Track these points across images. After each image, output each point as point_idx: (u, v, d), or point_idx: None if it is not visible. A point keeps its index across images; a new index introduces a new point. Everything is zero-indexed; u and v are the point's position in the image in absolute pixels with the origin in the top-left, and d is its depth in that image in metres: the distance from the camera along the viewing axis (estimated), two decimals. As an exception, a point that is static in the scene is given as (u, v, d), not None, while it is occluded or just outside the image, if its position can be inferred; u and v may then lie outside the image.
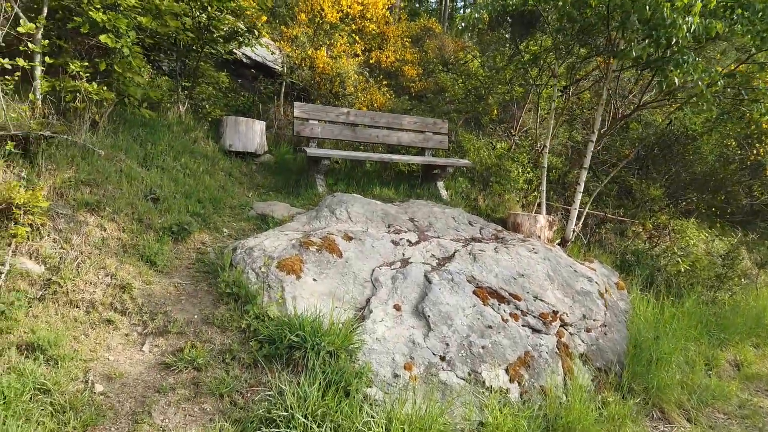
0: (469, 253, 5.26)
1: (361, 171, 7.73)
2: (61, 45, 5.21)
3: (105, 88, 5.13)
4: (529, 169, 8.09)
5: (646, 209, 8.52)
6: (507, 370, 4.27)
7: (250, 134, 7.23)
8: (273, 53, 9.54)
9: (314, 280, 4.47)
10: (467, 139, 8.43)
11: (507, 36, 8.61)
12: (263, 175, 7.15)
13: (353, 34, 10.00)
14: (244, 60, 10.12)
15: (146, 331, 3.91)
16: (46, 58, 4.91)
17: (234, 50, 9.55)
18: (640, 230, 9.19)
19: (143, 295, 4.13)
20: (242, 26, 7.16)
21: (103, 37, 4.95)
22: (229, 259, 4.62)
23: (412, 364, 3.98)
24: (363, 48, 10.77)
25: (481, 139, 8.61)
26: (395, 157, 7.03)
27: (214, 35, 6.78)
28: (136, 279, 4.22)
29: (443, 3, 27.66)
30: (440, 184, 7.43)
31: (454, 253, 5.28)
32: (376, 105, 9.24)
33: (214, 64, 8.11)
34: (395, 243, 5.23)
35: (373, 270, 4.80)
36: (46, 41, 4.75)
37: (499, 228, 6.49)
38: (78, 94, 4.96)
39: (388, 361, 3.94)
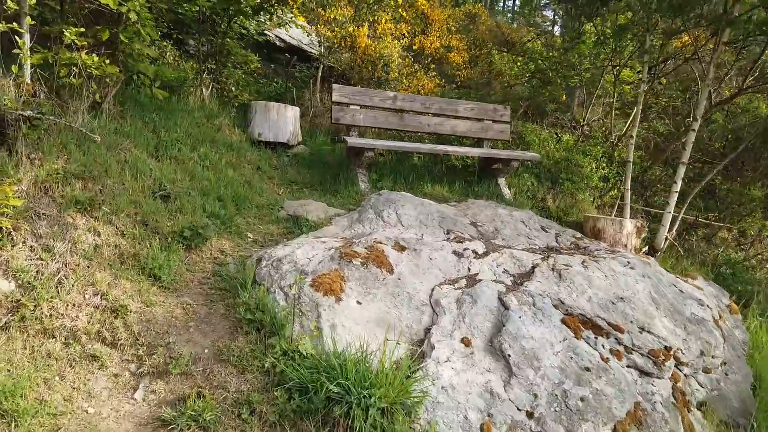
0: (552, 269, 4.17)
1: (408, 165, 6.70)
2: (54, 7, 4.33)
3: (107, 61, 4.22)
4: (603, 165, 6.91)
5: (742, 212, 7.24)
6: (615, 431, 3.19)
7: (282, 122, 6.29)
8: (309, 35, 8.58)
9: (358, 302, 3.48)
10: (530, 129, 7.30)
11: (577, 12, 7.42)
12: (296, 168, 6.20)
13: (399, 9, 8.94)
14: (278, 43, 9.20)
15: (141, 370, 2.98)
16: (38, 25, 4.03)
17: (266, 31, 8.65)
18: (727, 236, 7.90)
19: (141, 321, 3.21)
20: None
21: (104, -1, 4.06)
22: (252, 273, 3.67)
23: (491, 424, 2.94)
24: (408, 30, 9.73)
25: (545, 130, 7.46)
26: (451, 148, 5.97)
27: (242, 5, 5.83)
28: (133, 299, 3.30)
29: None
30: (502, 181, 6.34)
31: (533, 268, 4.20)
32: (423, 92, 8.19)
33: (245, 47, 7.20)
34: (458, 254, 4.18)
35: (433, 290, 3.77)
36: (35, 0, 3.87)
37: (578, 235, 5.36)
38: (74, 68, 4.07)
39: (459, 420, 2.92)
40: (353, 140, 5.46)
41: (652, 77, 6.67)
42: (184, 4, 6.47)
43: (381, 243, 4.02)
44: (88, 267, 3.35)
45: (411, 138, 7.04)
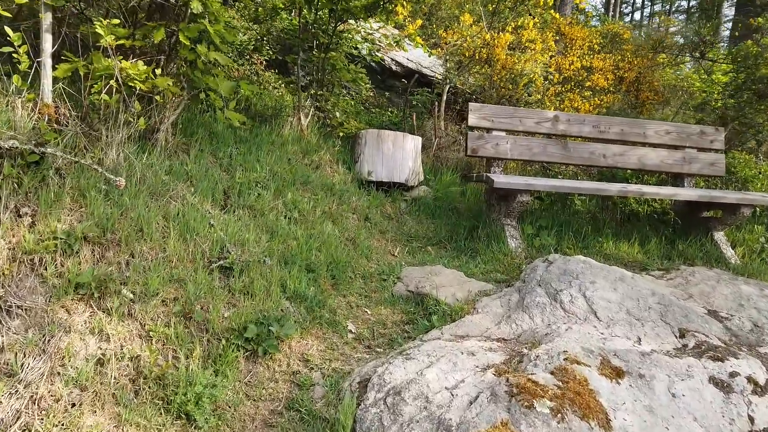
0: None
1: (567, 212, 4.84)
2: (88, -1, 3.16)
3: (158, 71, 2.95)
4: None
5: None
6: None
7: (399, 156, 4.76)
8: (430, 54, 7.11)
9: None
10: (742, 160, 5.15)
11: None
12: (417, 218, 4.60)
13: (550, 11, 7.23)
14: (393, 67, 7.85)
15: None
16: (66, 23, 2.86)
17: (380, 54, 7.33)
18: None
19: None
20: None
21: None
22: (353, 414, 2.06)
23: None
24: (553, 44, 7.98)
25: (763, 162, 5.26)
26: (652, 189, 4.01)
27: (351, 2, 4.45)
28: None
29: (611, 8, 23.78)
30: (720, 236, 4.27)
31: None
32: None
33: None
34: (721, 386, 2.27)
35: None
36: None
37: None
38: (111, 82, 2.82)
39: None
40: (502, 179, 3.75)
41: None
42: (283, 15, 5.29)
43: (577, 362, 2.23)
44: (75, 406, 1.92)
45: (575, 175, 5.20)
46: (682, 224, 4.50)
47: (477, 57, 6.10)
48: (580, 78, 9.67)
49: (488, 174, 3.89)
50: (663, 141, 4.57)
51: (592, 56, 10.30)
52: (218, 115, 3.37)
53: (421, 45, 6.84)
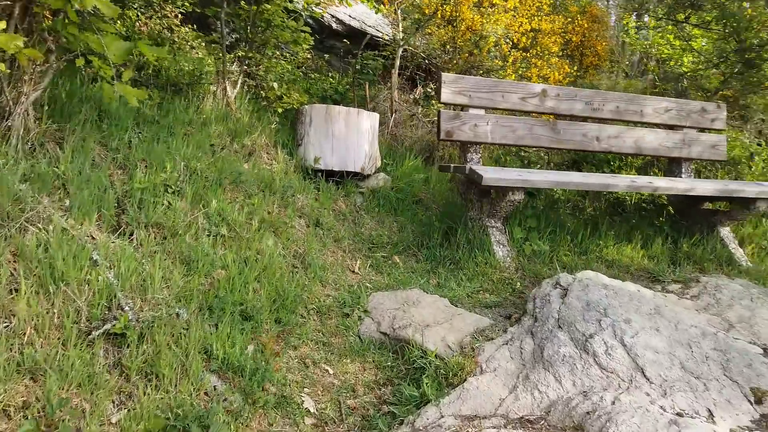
0: None
1: (545, 202, 4.14)
2: None
3: (5, 27, 1.89)
4: None
5: None
6: None
7: (354, 139, 3.84)
8: (377, 11, 6.11)
9: None
10: (732, 138, 4.62)
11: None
12: (377, 215, 3.75)
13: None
14: (334, 25, 6.78)
15: None
16: None
17: (319, 10, 6.26)
18: None
19: None
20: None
21: None
22: None
23: None
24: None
25: (755, 141, 4.77)
26: (664, 182, 3.32)
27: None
28: None
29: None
30: (726, 232, 3.70)
31: None
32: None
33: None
34: None
35: None
36: None
37: None
38: None
39: None
40: (490, 173, 2.94)
41: None
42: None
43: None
44: None
45: (569, 163, 4.50)
46: (681, 217, 3.91)
47: (440, 15, 5.18)
48: (529, 43, 8.97)
49: (472, 167, 3.06)
50: (662, 120, 3.92)
51: (540, 18, 9.61)
52: (104, 90, 2.32)
53: (367, 1, 5.84)
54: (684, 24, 5.56)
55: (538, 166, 4.89)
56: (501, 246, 3.22)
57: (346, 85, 5.48)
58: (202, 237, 2.44)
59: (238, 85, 4.07)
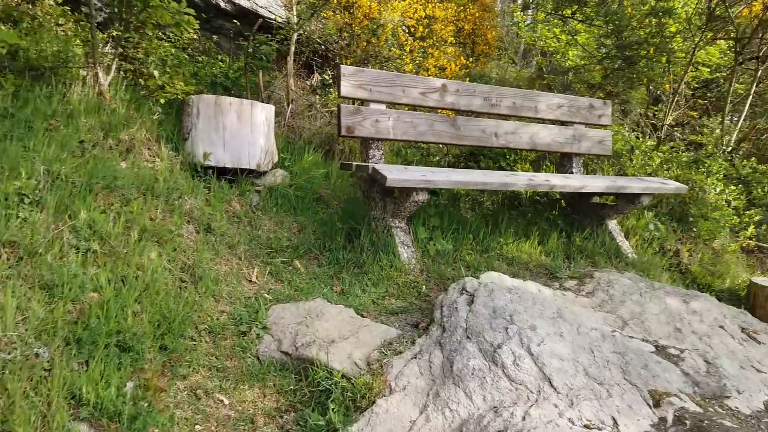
0: None
1: (447, 198, 4.14)
2: None
3: None
4: (732, 189, 4.62)
5: None
6: None
7: (248, 133, 3.56)
8: (270, -9, 5.77)
9: None
10: (620, 135, 4.89)
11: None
12: (275, 215, 3.52)
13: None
14: (222, 4, 6.32)
15: None
16: None
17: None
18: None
19: None
20: None
21: None
22: None
23: None
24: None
25: (633, 134, 5.08)
26: (559, 180, 3.37)
27: None
28: None
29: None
30: (613, 225, 3.90)
31: None
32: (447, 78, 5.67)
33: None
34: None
35: None
36: None
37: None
38: None
39: None
40: (395, 173, 2.83)
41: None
42: None
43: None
44: None
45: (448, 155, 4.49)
46: (572, 210, 4.07)
47: (335, 1, 4.97)
48: (426, 32, 9.02)
49: (375, 166, 2.93)
50: (555, 116, 4.03)
51: (434, 5, 9.68)
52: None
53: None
54: (570, 19, 5.78)
55: (437, 158, 4.89)
56: (406, 247, 3.14)
57: (237, 70, 5.12)
58: (69, 255, 2.10)
59: (113, 71, 3.62)
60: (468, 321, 2.29)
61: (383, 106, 3.44)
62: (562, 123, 4.10)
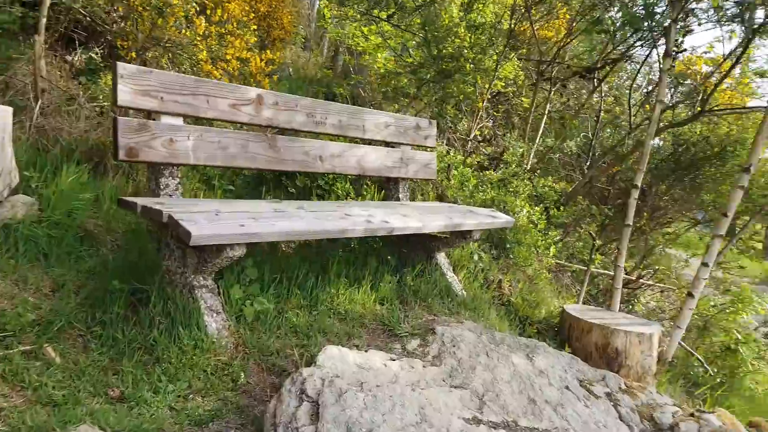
0: None
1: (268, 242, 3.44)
2: None
3: None
4: (536, 210, 4.78)
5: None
6: None
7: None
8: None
9: None
10: (437, 153, 4.68)
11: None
12: (10, 271, 2.42)
13: None
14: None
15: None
16: None
17: None
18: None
19: None
20: None
21: None
22: None
23: None
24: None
25: (452, 152, 4.95)
26: (399, 222, 2.88)
27: None
28: None
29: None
30: (442, 259, 3.61)
31: None
32: (253, 80, 4.89)
33: None
34: None
35: None
36: None
37: (617, 384, 3.01)
38: None
39: None
40: (205, 230, 2.01)
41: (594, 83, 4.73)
42: None
43: None
44: None
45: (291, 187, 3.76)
46: (401, 244, 3.70)
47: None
48: (219, 12, 8.03)
49: (173, 214, 2.08)
50: (383, 136, 3.59)
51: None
52: None
53: None
54: (384, 22, 5.44)
55: (245, 172, 4.11)
56: (214, 315, 2.37)
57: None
58: None
59: None
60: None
61: (180, 120, 2.58)
62: (390, 144, 3.69)
